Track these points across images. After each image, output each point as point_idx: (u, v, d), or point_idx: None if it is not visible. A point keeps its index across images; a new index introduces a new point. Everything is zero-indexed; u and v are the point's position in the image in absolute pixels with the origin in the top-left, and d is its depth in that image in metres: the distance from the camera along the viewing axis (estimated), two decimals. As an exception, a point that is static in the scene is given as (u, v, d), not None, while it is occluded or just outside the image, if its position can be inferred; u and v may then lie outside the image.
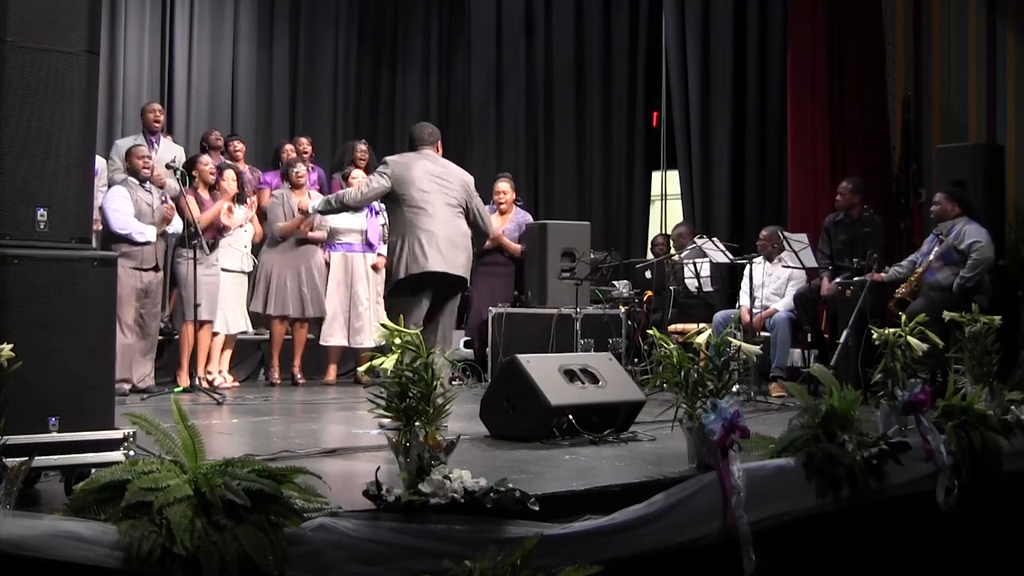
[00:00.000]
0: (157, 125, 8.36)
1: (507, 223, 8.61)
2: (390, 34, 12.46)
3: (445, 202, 5.74)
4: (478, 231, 5.93)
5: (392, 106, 12.38)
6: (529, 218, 8.79)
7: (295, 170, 8.12)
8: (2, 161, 3.25)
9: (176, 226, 7.23)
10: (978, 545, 4.91)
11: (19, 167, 3.28)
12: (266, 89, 11.38)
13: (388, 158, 5.92)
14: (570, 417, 4.87)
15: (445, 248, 5.64)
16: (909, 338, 4.79)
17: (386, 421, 3.36)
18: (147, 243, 6.95)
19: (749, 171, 10.17)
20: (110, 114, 9.91)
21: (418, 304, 5.61)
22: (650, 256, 10.00)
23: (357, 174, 8.14)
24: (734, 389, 4.56)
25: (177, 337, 7.54)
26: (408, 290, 5.61)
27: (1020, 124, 8.75)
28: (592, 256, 8.49)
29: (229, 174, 7.67)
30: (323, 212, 6.48)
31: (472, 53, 12.69)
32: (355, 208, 6.48)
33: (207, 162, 7.73)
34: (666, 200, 11.22)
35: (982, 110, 8.96)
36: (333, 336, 8.04)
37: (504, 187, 8.70)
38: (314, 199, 7.83)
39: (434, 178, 5.76)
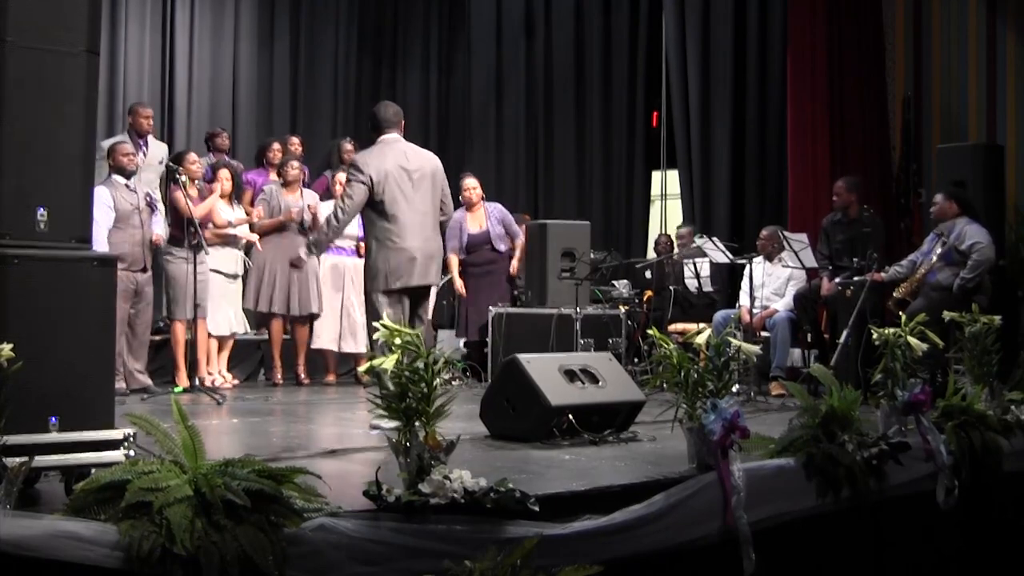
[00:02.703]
0: (149, 128, 8.22)
1: (489, 220, 8.41)
2: (390, 34, 12.46)
3: (419, 199, 5.73)
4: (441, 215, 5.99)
5: (392, 106, 12.36)
6: (501, 208, 8.64)
7: (288, 169, 7.97)
8: (2, 161, 3.24)
9: (160, 227, 7.18)
10: (978, 545, 4.91)
11: (19, 167, 3.28)
12: (266, 89, 11.38)
13: (358, 159, 5.78)
14: (570, 417, 4.86)
15: (422, 263, 5.72)
16: (909, 338, 4.78)
17: (380, 423, 3.36)
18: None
19: (749, 171, 10.17)
20: (110, 114, 9.90)
21: (399, 303, 5.70)
22: (652, 255, 9.99)
23: (341, 178, 7.78)
24: (734, 389, 4.55)
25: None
26: (390, 295, 5.70)
27: (1020, 124, 8.75)
28: (592, 256, 8.47)
29: (224, 173, 7.66)
30: (327, 242, 6.46)
31: (472, 53, 12.68)
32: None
33: (195, 160, 7.69)
34: (666, 200, 11.22)
35: (982, 110, 8.96)
36: (321, 339, 8.03)
37: (471, 183, 8.48)
38: (307, 197, 7.82)
39: (406, 173, 5.71)
